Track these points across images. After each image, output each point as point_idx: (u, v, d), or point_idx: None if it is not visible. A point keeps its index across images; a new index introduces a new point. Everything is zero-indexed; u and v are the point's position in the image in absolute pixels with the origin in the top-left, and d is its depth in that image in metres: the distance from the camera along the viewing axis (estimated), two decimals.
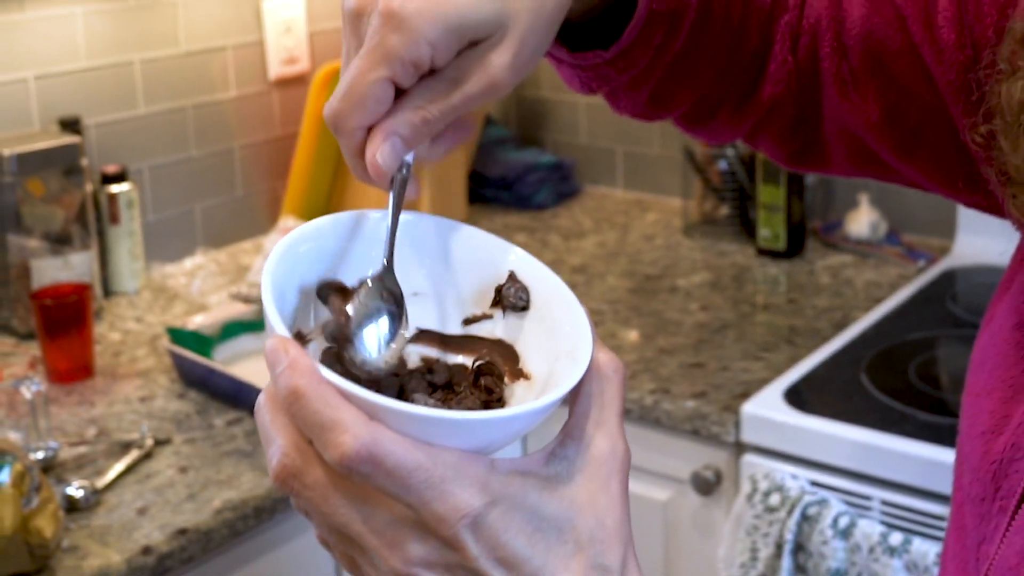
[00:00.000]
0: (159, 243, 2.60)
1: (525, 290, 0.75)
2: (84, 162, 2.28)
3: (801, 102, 1.05)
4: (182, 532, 1.62)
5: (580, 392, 0.69)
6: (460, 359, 0.74)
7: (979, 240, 2.55)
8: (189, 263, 2.59)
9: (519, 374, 0.73)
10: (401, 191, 0.73)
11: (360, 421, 0.60)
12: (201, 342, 2.07)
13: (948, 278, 2.49)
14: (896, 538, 1.75)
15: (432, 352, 0.75)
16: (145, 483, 1.74)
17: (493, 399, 0.70)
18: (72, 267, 2.24)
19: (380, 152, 0.71)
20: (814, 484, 1.87)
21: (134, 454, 1.80)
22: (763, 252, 2.67)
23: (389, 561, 0.63)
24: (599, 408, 0.69)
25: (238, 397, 1.96)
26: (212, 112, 2.67)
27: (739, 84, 1.04)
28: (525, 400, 0.68)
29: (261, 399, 0.66)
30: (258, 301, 2.21)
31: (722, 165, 2.78)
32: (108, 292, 2.44)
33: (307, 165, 2.77)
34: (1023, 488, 0.81)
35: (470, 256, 0.77)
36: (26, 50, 2.32)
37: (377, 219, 0.74)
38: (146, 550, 1.58)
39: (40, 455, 1.74)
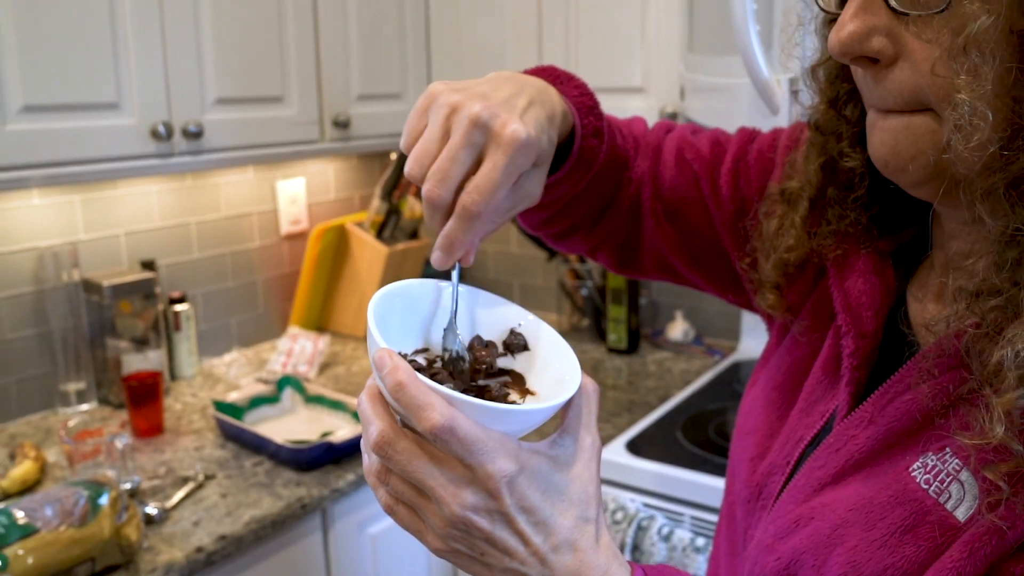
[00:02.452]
0: (207, 344, 2.58)
1: (523, 338, 0.81)
2: (157, 290, 2.28)
3: (630, 229, 1.07)
4: (222, 537, 1.63)
5: (572, 402, 0.74)
6: (489, 381, 0.78)
7: (754, 342, 2.59)
8: (227, 358, 2.57)
9: (526, 392, 0.78)
10: (460, 272, 0.79)
11: (444, 405, 0.65)
12: (235, 410, 2.05)
13: (735, 367, 2.48)
14: (700, 542, 1.75)
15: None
16: (198, 504, 1.74)
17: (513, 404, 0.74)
18: (149, 360, 2.23)
19: (469, 257, 0.78)
20: (646, 505, 1.86)
21: (191, 485, 1.80)
22: (611, 350, 2.67)
23: (451, 507, 0.66)
24: (585, 413, 0.74)
25: (260, 447, 1.94)
26: (243, 256, 2.66)
27: (593, 215, 1.05)
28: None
29: (363, 395, 0.71)
30: (273, 384, 2.22)
31: (584, 292, 2.76)
32: (173, 377, 2.42)
33: (306, 292, 2.77)
34: (776, 493, 0.85)
35: (497, 315, 0.82)
36: (119, 215, 2.33)
37: (443, 287, 0.80)
38: (198, 549, 1.59)
39: (128, 486, 1.74)
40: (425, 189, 0.75)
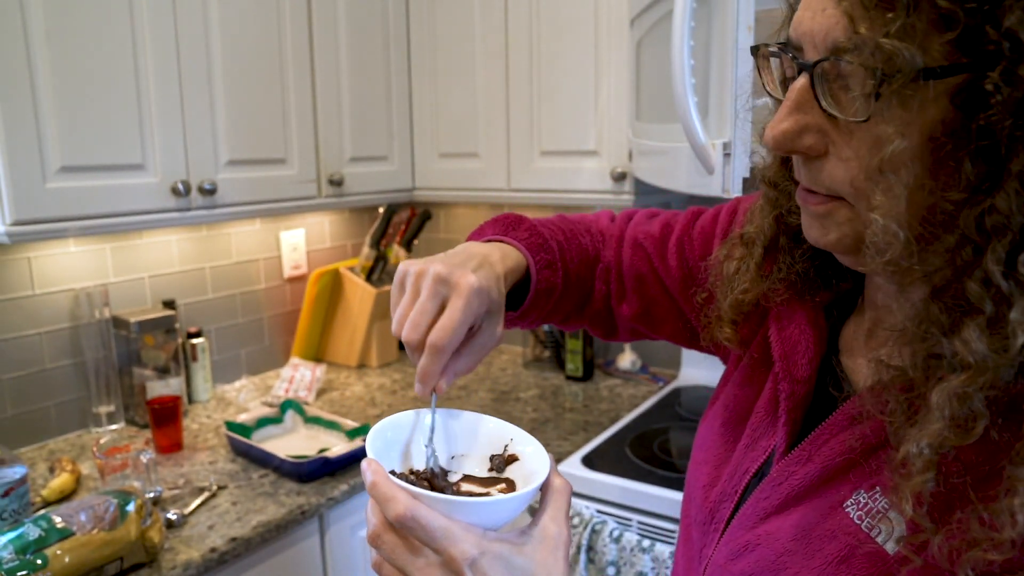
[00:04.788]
0: (220, 372, 2.58)
1: (513, 456, 0.81)
2: (177, 325, 2.27)
3: (606, 310, 1.10)
4: (233, 540, 1.63)
5: (542, 499, 0.75)
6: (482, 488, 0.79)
7: (694, 370, 2.57)
8: (238, 384, 2.56)
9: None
10: (435, 398, 0.82)
11: (407, 498, 0.67)
12: (244, 429, 2.05)
13: (676, 392, 2.45)
14: (646, 543, 1.74)
15: (472, 486, 0.79)
16: (212, 511, 1.74)
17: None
18: (170, 386, 2.23)
19: (443, 383, 0.81)
20: (599, 512, 1.86)
21: (206, 494, 1.80)
22: (569, 378, 2.65)
23: None
24: (553, 507, 0.74)
25: (265, 461, 1.94)
26: (251, 297, 2.65)
27: (577, 308, 1.09)
28: None
29: (369, 503, 0.73)
30: (277, 407, 2.22)
31: (545, 328, 2.72)
32: (191, 400, 2.41)
33: (305, 327, 2.76)
34: (727, 518, 0.83)
35: (484, 433, 0.84)
36: (144, 261, 2.33)
37: (423, 414, 0.83)
38: (212, 550, 1.59)
39: (151, 495, 1.74)
40: (403, 336, 0.80)
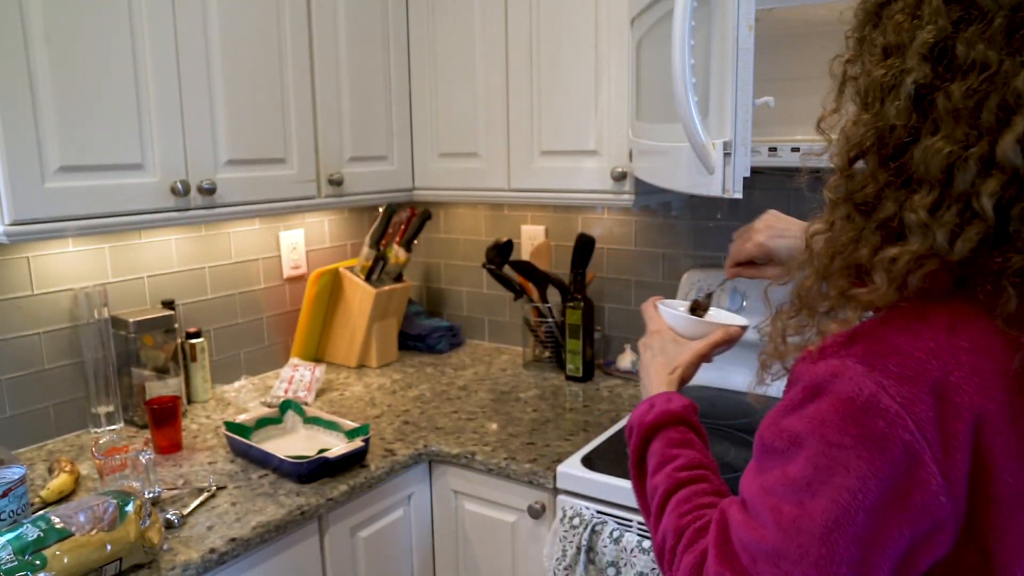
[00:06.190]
0: (220, 372, 2.59)
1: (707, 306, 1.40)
2: (176, 326, 2.27)
3: None
4: (232, 540, 1.63)
5: (711, 337, 1.27)
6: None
7: None
8: (237, 384, 2.54)
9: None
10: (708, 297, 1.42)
11: (648, 305, 1.36)
12: (243, 430, 2.04)
13: None
14: (646, 543, 1.73)
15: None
16: (211, 511, 1.74)
17: None
18: (169, 387, 2.23)
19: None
20: (599, 512, 1.85)
21: (205, 495, 1.80)
22: (569, 378, 2.64)
23: (646, 345, 1.31)
24: (708, 342, 1.26)
25: (265, 461, 1.94)
26: (250, 297, 2.65)
27: None
28: None
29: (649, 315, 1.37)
30: (276, 407, 2.21)
31: (545, 327, 2.74)
32: (190, 401, 2.41)
33: (305, 327, 2.76)
34: None
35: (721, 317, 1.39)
36: (143, 261, 2.33)
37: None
38: (211, 550, 1.59)
39: (150, 495, 1.75)
40: None
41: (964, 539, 0.76)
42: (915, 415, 0.72)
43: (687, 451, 1.09)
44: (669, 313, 1.31)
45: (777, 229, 1.32)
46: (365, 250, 2.80)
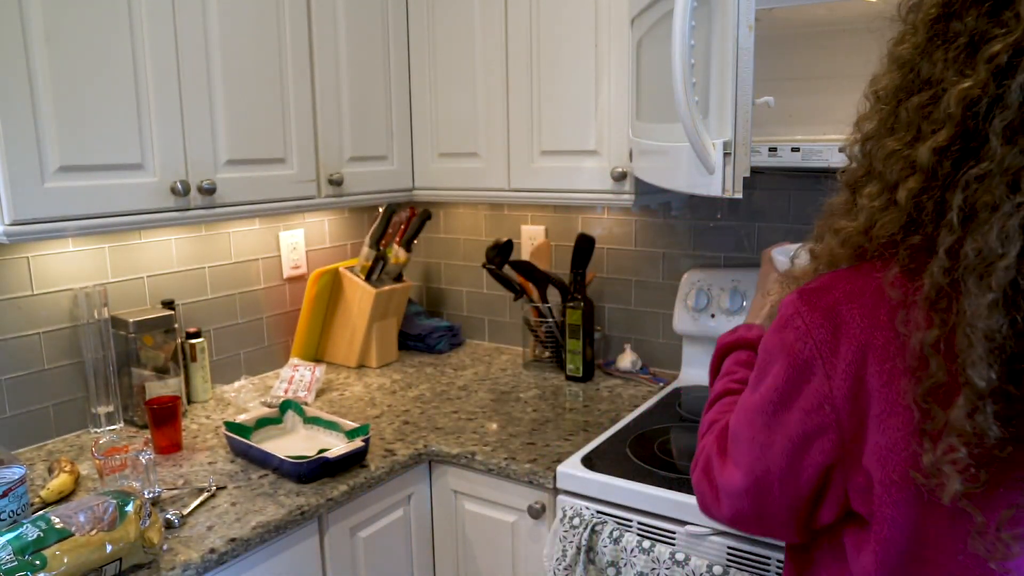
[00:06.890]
0: (220, 373, 2.59)
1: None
2: (176, 326, 2.27)
3: None
4: (232, 540, 1.63)
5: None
6: None
7: (694, 371, 2.56)
8: (237, 384, 2.53)
9: None
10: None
11: (767, 262, 1.56)
12: (243, 430, 2.05)
13: (676, 393, 2.44)
14: (646, 544, 1.73)
15: None
16: (211, 512, 1.74)
17: None
18: (169, 386, 2.23)
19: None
20: (599, 512, 1.85)
21: (205, 495, 1.80)
22: (569, 378, 2.64)
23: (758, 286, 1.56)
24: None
25: (265, 461, 1.94)
26: (250, 297, 2.66)
27: None
28: None
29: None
30: (276, 407, 2.21)
31: (545, 327, 2.74)
32: (190, 401, 2.41)
33: (305, 327, 2.77)
34: None
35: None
36: (143, 261, 2.33)
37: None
38: (211, 551, 1.59)
39: (150, 495, 1.75)
40: None
41: (851, 459, 0.96)
42: (815, 335, 0.95)
43: (745, 370, 1.31)
44: (777, 259, 1.51)
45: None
46: (365, 250, 2.80)
